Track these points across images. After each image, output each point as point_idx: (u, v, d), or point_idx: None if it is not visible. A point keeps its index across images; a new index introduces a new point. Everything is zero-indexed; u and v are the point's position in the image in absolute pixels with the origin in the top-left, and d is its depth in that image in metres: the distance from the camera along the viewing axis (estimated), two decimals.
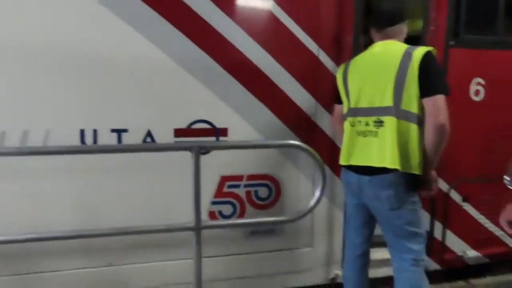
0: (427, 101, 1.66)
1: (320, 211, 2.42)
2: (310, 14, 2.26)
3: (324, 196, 2.37)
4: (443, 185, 2.61)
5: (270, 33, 2.23)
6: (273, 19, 2.21)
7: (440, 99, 1.65)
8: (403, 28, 1.87)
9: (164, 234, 2.06)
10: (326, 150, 2.28)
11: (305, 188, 2.35)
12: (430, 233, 2.64)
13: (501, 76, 2.57)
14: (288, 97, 2.29)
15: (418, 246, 1.81)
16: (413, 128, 1.69)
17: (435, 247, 2.66)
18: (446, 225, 2.66)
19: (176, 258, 2.23)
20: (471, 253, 2.73)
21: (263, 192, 2.33)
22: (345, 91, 1.95)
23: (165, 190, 2.17)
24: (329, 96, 2.25)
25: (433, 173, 1.79)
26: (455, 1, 2.43)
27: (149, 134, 2.12)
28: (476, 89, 2.57)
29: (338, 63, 2.23)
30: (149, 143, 2.08)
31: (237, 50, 2.18)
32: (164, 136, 2.13)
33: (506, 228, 1.13)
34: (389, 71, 1.71)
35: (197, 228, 1.84)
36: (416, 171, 1.71)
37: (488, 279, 2.69)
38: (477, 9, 2.52)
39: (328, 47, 2.31)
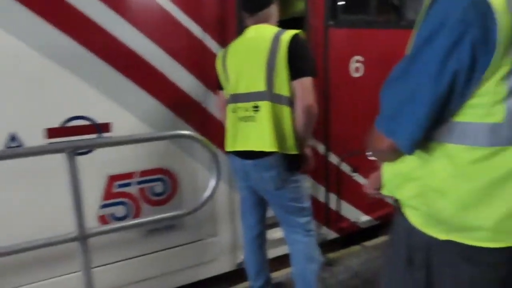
0: (295, 84, 1.72)
1: (221, 198, 2.39)
2: None
3: (223, 183, 2.36)
4: (334, 159, 2.78)
5: (149, 18, 2.05)
6: (152, 3, 2.05)
7: (307, 81, 1.72)
8: (273, 11, 1.88)
9: (52, 248, 1.82)
10: (220, 137, 2.23)
11: (203, 177, 2.28)
12: (326, 205, 2.80)
13: (377, 53, 2.78)
14: (175, 84, 2.17)
15: (306, 219, 1.95)
16: (286, 110, 1.75)
17: (332, 218, 2.84)
18: (340, 196, 2.84)
19: (68, 272, 2.01)
20: (364, 218, 2.99)
21: (158, 187, 2.21)
22: (225, 78, 1.93)
23: (48, 199, 1.92)
24: (218, 81, 2.19)
25: (308, 150, 1.89)
26: None
27: (13, 138, 1.82)
28: (356, 66, 2.74)
29: (224, 46, 2.17)
30: (10, 149, 1.79)
31: (113, 37, 1.97)
32: (34, 138, 1.86)
33: (373, 194, 1.19)
34: (260, 56, 1.74)
35: (82, 237, 1.65)
36: (293, 151, 1.79)
37: (379, 239, 2.97)
38: None
39: (213, 30, 2.23)
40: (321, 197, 2.79)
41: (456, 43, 0.74)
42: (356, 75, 2.75)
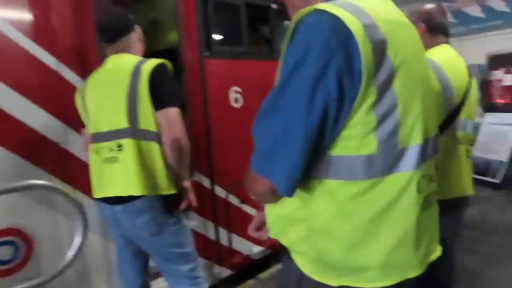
0: (159, 116, 1.58)
1: (94, 253, 2.04)
2: (39, 21, 1.84)
3: (95, 234, 2.03)
4: (221, 192, 2.67)
5: None
6: None
7: (172, 112, 1.58)
8: (134, 39, 1.72)
9: None
10: (87, 182, 1.91)
11: (69, 233, 1.91)
12: (217, 241, 2.65)
13: (254, 84, 2.81)
14: (24, 124, 1.79)
15: (191, 265, 1.77)
16: (155, 147, 1.59)
17: (223, 254, 2.70)
18: (230, 230, 2.73)
19: None
20: (256, 249, 2.92)
21: (6, 253, 1.75)
22: (86, 114, 1.69)
23: None
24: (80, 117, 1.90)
25: (186, 185, 1.74)
26: (203, 14, 2.49)
27: None
28: (235, 97, 2.73)
29: (85, 77, 1.90)
30: None
31: None
32: None
33: (260, 237, 1.10)
34: (120, 89, 1.56)
35: None
36: (168, 190, 1.62)
37: (273, 268, 2.93)
38: (224, 23, 2.67)
39: (71, 60, 1.94)
40: (211, 234, 2.63)
41: (322, 73, 0.70)
42: (236, 105, 2.73)
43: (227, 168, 2.65)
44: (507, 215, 3.94)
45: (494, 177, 4.79)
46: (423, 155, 0.79)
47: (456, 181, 1.50)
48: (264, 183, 0.78)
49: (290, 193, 0.76)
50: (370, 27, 0.72)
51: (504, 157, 4.81)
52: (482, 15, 12.64)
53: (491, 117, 5.24)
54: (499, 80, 12.02)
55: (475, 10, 12.74)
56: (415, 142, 0.77)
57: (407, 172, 0.76)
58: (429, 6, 1.55)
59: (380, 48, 0.73)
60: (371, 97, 0.72)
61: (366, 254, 0.77)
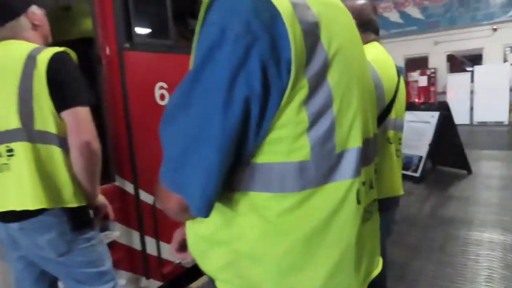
0: (65, 116, 1.36)
1: None
2: None
3: None
4: (146, 197, 2.44)
5: None
6: None
7: (81, 111, 1.37)
8: (23, 24, 1.45)
9: None
10: None
11: None
12: (143, 252, 2.42)
13: (181, 79, 2.62)
14: None
15: (108, 285, 1.57)
16: (56, 151, 1.37)
17: (151, 265, 2.48)
18: (158, 238, 2.52)
19: None
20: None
21: None
22: None
23: None
24: None
25: (100, 197, 1.54)
26: (122, 1, 2.24)
27: None
28: (161, 93, 2.52)
29: None
30: None
31: None
32: None
33: (182, 259, 0.95)
34: (9, 82, 1.32)
35: None
36: (74, 203, 1.40)
37: (205, 277, 2.76)
38: (147, 12, 2.45)
39: None
40: (136, 244, 2.40)
41: (241, 62, 0.58)
42: (162, 103, 2.52)
43: (154, 171, 2.42)
44: (426, 207, 4.22)
45: (415, 172, 5.13)
46: (364, 159, 0.70)
47: (389, 181, 1.47)
48: (174, 199, 0.63)
49: (205, 213, 0.62)
50: (300, 7, 0.61)
51: (423, 153, 5.17)
52: (400, 21, 13.76)
53: (410, 115, 5.60)
54: (415, 81, 13.15)
55: (394, 16, 13.83)
56: (354, 145, 0.68)
57: (345, 180, 0.66)
58: (361, 1, 1.51)
59: (312, 32, 0.62)
60: (303, 91, 0.61)
61: (302, 280, 0.65)
